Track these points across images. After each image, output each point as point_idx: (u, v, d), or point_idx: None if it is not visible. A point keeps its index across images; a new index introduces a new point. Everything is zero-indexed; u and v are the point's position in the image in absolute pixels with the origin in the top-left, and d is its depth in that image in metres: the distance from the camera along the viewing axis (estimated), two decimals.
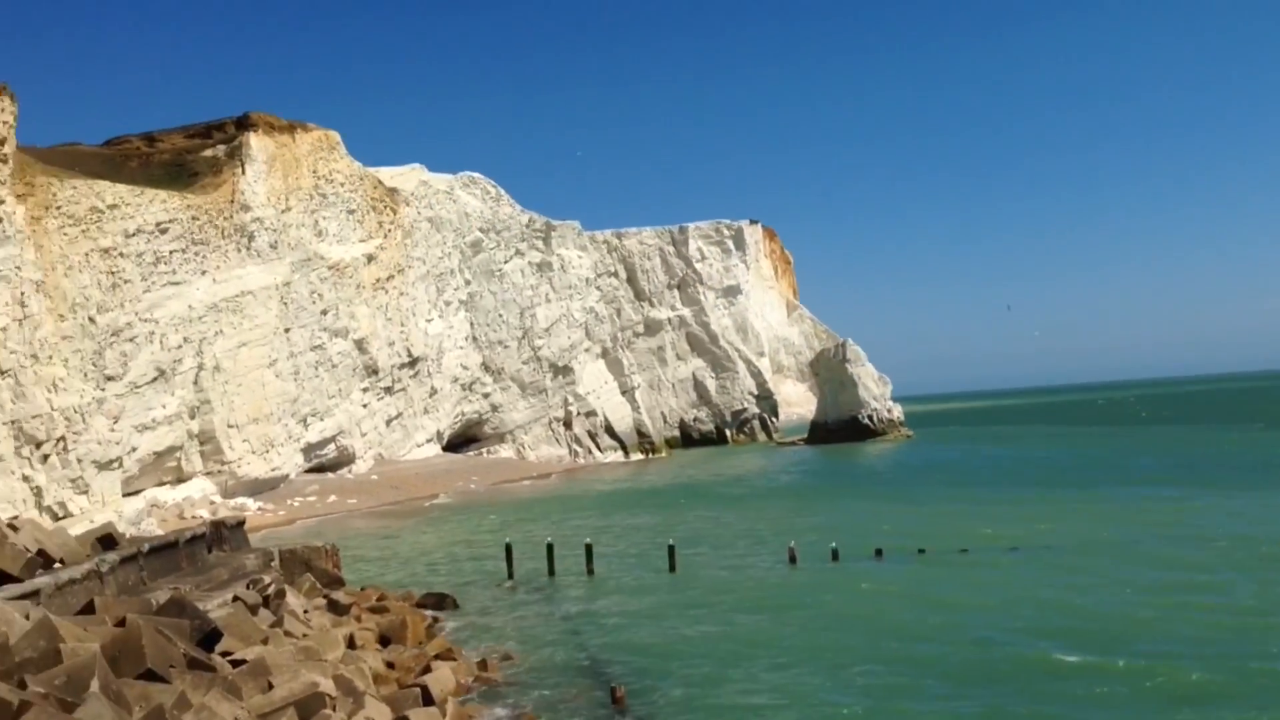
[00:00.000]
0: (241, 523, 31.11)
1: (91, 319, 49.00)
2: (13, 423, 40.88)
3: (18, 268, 42.56)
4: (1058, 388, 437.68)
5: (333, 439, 68.03)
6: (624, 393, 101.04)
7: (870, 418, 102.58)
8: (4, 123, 42.70)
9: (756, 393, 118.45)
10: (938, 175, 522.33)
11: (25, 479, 41.17)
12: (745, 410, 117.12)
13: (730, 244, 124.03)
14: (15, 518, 30.53)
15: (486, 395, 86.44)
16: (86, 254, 49.73)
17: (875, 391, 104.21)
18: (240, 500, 56.68)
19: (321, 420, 66.69)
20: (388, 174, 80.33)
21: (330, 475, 67.25)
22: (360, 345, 70.76)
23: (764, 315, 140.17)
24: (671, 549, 34.37)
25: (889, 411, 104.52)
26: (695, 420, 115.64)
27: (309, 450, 65.85)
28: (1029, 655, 21.05)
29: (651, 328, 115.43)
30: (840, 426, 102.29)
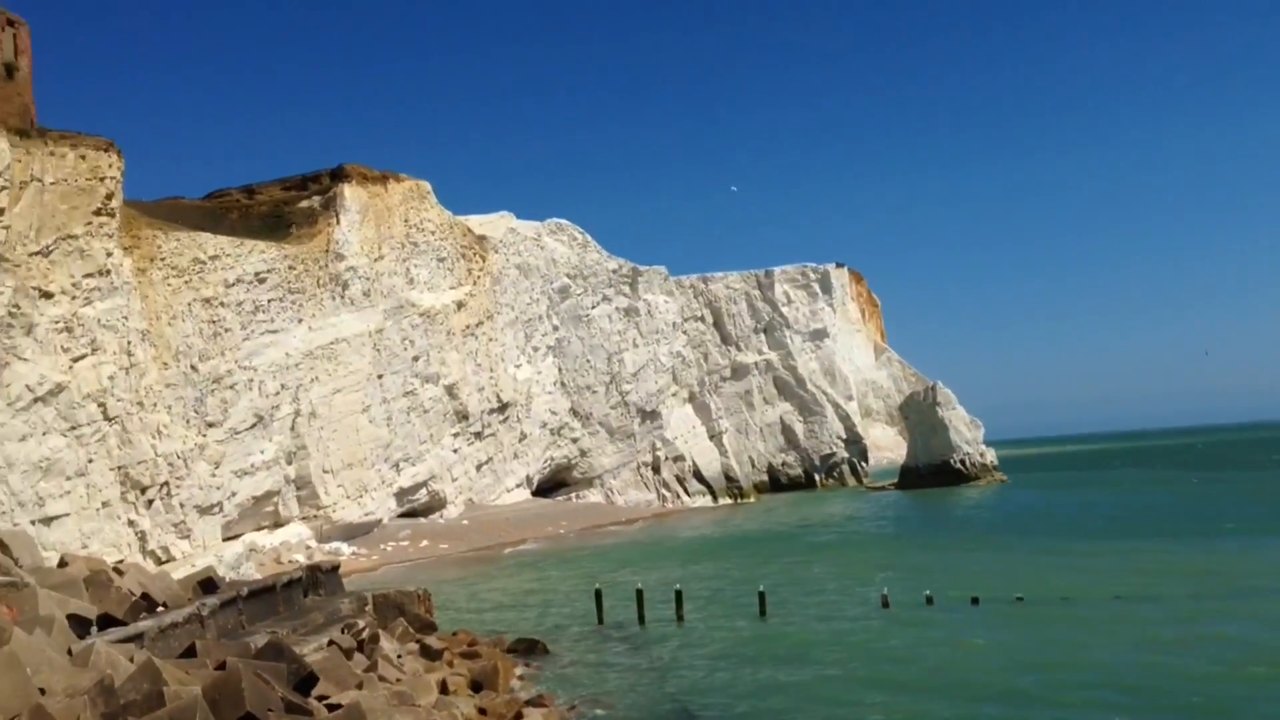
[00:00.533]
0: (336, 567, 31.57)
1: (194, 366, 50.39)
2: (119, 468, 42.11)
3: (125, 318, 44.00)
4: (1154, 431, 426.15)
5: (424, 484, 68.83)
6: (711, 437, 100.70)
7: (962, 462, 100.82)
8: (112, 178, 44.32)
9: (845, 437, 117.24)
10: (1026, 213, 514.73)
11: (130, 523, 42.32)
12: (834, 454, 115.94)
13: (816, 287, 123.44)
14: (120, 561, 31.35)
15: (575, 440, 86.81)
16: (189, 304, 51.20)
17: (967, 435, 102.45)
18: (335, 545, 57.54)
19: (413, 465, 67.54)
20: (477, 222, 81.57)
21: (422, 520, 67.98)
22: (451, 391, 71.63)
23: (851, 358, 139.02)
24: (762, 594, 34.04)
25: (981, 455, 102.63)
26: (783, 465, 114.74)
27: (401, 495, 66.69)
28: None
29: (738, 372, 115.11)
30: (931, 471, 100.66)
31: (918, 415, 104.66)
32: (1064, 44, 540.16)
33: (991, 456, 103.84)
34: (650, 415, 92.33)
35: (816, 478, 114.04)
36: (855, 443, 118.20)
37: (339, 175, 67.67)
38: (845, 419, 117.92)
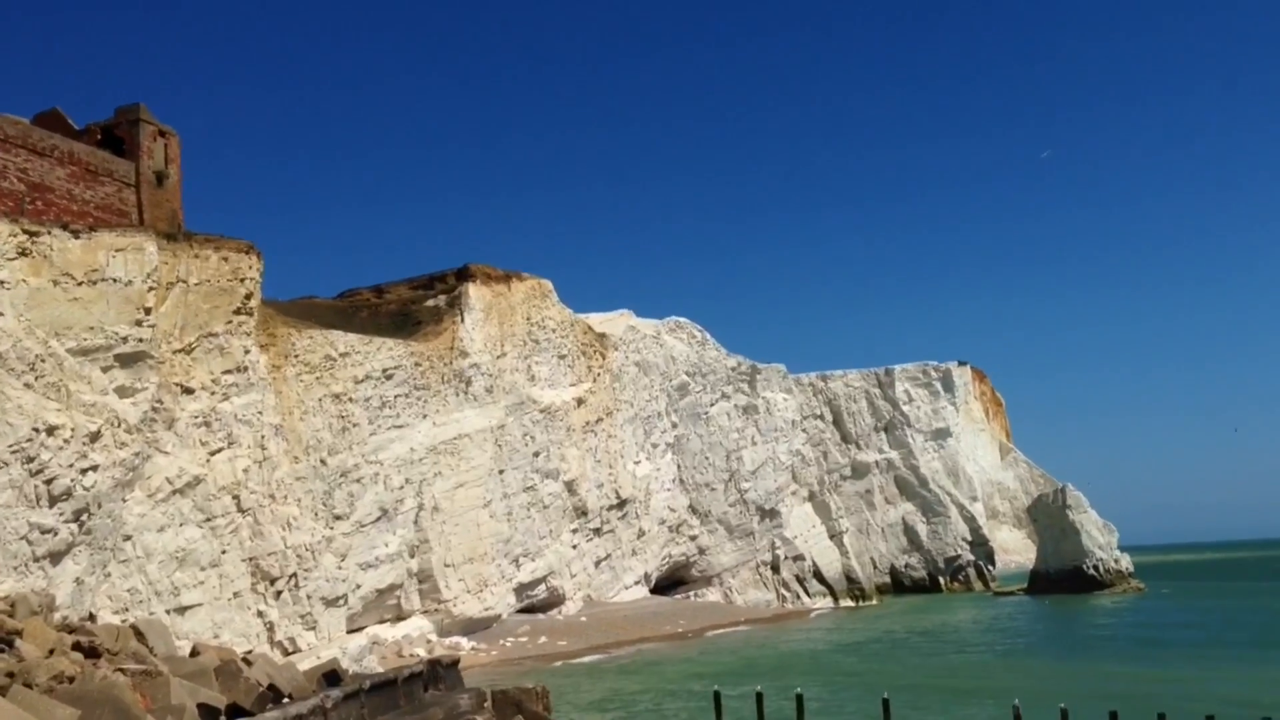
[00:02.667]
0: (456, 661, 31.61)
1: (323, 460, 51.64)
2: (250, 559, 43.18)
3: (259, 412, 45.49)
4: None
5: (543, 579, 68.88)
6: (832, 537, 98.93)
7: (1095, 568, 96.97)
8: (251, 279, 46.25)
9: (970, 539, 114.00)
10: (1158, 307, 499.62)
11: (259, 614, 43.21)
12: (959, 557, 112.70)
13: (938, 386, 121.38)
14: (249, 652, 31.91)
15: (694, 538, 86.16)
16: (320, 399, 52.69)
17: (1100, 540, 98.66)
18: (455, 639, 57.73)
19: (533, 560, 67.73)
20: (597, 320, 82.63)
21: (540, 616, 67.87)
22: (570, 487, 71.95)
23: (975, 459, 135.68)
24: (886, 702, 32.96)
25: (1116, 561, 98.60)
26: (906, 566, 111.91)
27: (520, 590, 66.81)
28: None
29: (859, 471, 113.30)
30: (1063, 576, 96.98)
31: (1047, 518, 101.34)
32: (1203, 135, 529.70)
33: (1127, 563, 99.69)
34: (769, 514, 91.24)
35: (941, 580, 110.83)
36: (981, 545, 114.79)
37: (464, 275, 69.41)
38: (970, 520, 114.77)
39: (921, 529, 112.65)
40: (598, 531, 75.20)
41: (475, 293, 68.02)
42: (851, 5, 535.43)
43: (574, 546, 72.67)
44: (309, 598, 45.85)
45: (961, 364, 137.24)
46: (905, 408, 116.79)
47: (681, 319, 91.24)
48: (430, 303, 67.51)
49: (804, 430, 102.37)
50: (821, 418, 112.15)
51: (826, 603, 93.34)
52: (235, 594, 42.30)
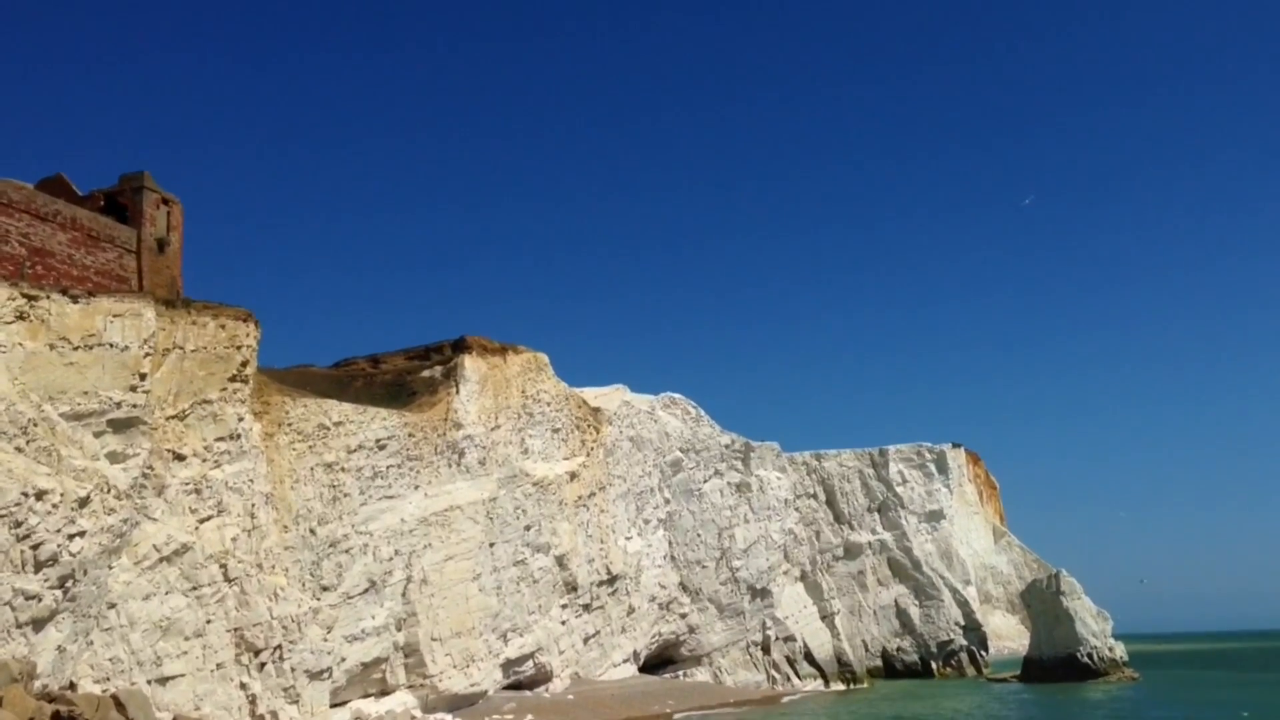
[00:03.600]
0: None
1: (312, 530, 51.28)
2: (235, 630, 42.65)
3: (251, 480, 45.26)
4: None
5: (531, 655, 68.03)
6: (823, 618, 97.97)
7: (1090, 656, 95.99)
8: (248, 347, 46.33)
9: (963, 623, 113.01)
10: (1156, 392, 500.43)
11: (242, 686, 42.57)
12: (951, 641, 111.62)
13: (932, 467, 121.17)
14: None
15: (684, 616, 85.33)
16: (312, 468, 52.47)
17: (1094, 628, 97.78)
18: (440, 716, 56.81)
19: (521, 636, 66.95)
20: (592, 394, 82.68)
21: (527, 693, 66.90)
22: (561, 561, 71.40)
23: (969, 542, 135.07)
24: None
25: (1110, 650, 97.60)
26: (898, 650, 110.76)
27: (508, 666, 65.94)
28: None
29: (851, 551, 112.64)
30: (1056, 664, 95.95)
31: (1040, 604, 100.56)
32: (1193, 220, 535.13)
33: (1121, 651, 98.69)
34: (761, 593, 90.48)
35: (933, 665, 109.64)
36: (974, 630, 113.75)
37: (460, 346, 69.59)
38: (963, 605, 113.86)
39: (914, 612, 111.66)
40: (587, 607, 74.47)
41: (471, 365, 68.10)
42: (846, 89, 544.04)
43: (563, 622, 71.90)
44: (293, 670, 45.22)
45: (956, 446, 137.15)
46: (899, 489, 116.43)
47: (676, 395, 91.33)
48: (426, 373, 67.55)
49: (797, 509, 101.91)
50: (815, 497, 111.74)
51: (817, 685, 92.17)
52: (218, 665, 41.72)
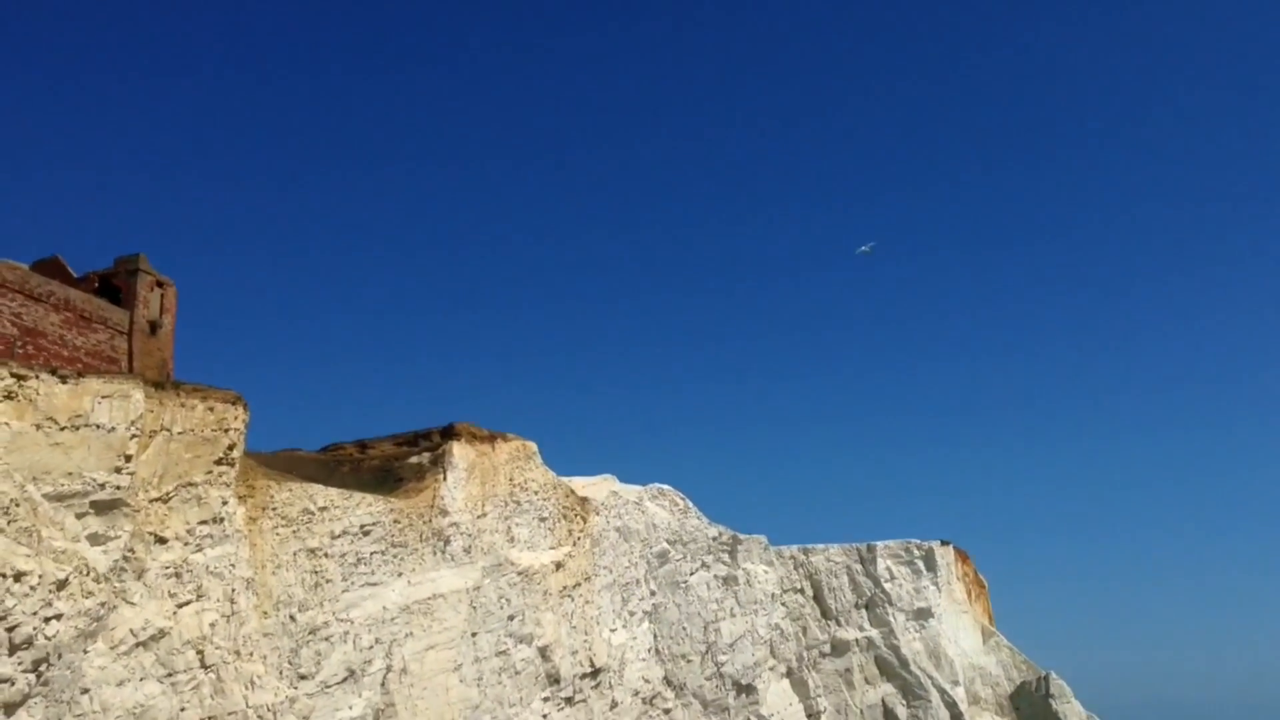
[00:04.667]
0: None
1: (292, 617, 50.75)
2: (210, 718, 42.00)
3: (232, 565, 44.95)
4: None
5: None
6: (809, 716, 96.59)
7: None
8: (236, 429, 46.36)
9: None
10: (1150, 487, 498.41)
11: None
12: None
13: (920, 564, 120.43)
14: None
15: (667, 711, 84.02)
16: (294, 553, 52.13)
17: None
18: None
19: None
20: (580, 483, 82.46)
21: None
22: (544, 653, 70.55)
23: (958, 641, 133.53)
24: None
25: None
26: None
27: None
28: None
29: (838, 648, 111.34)
30: None
31: (1029, 707, 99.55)
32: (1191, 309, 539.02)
33: None
34: (746, 689, 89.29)
35: None
36: None
37: (449, 433, 69.59)
38: (951, 706, 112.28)
39: (901, 712, 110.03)
40: (569, 700, 73.36)
41: (459, 452, 68.03)
42: (835, 199, 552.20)
43: (544, 716, 70.76)
44: None
45: (944, 543, 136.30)
46: (887, 585, 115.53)
47: (664, 486, 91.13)
48: (414, 460, 67.44)
49: (784, 604, 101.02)
50: (802, 591, 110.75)
51: None
52: None
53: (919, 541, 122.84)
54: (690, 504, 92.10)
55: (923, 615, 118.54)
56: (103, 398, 39.19)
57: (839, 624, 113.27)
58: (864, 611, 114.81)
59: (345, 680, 53.78)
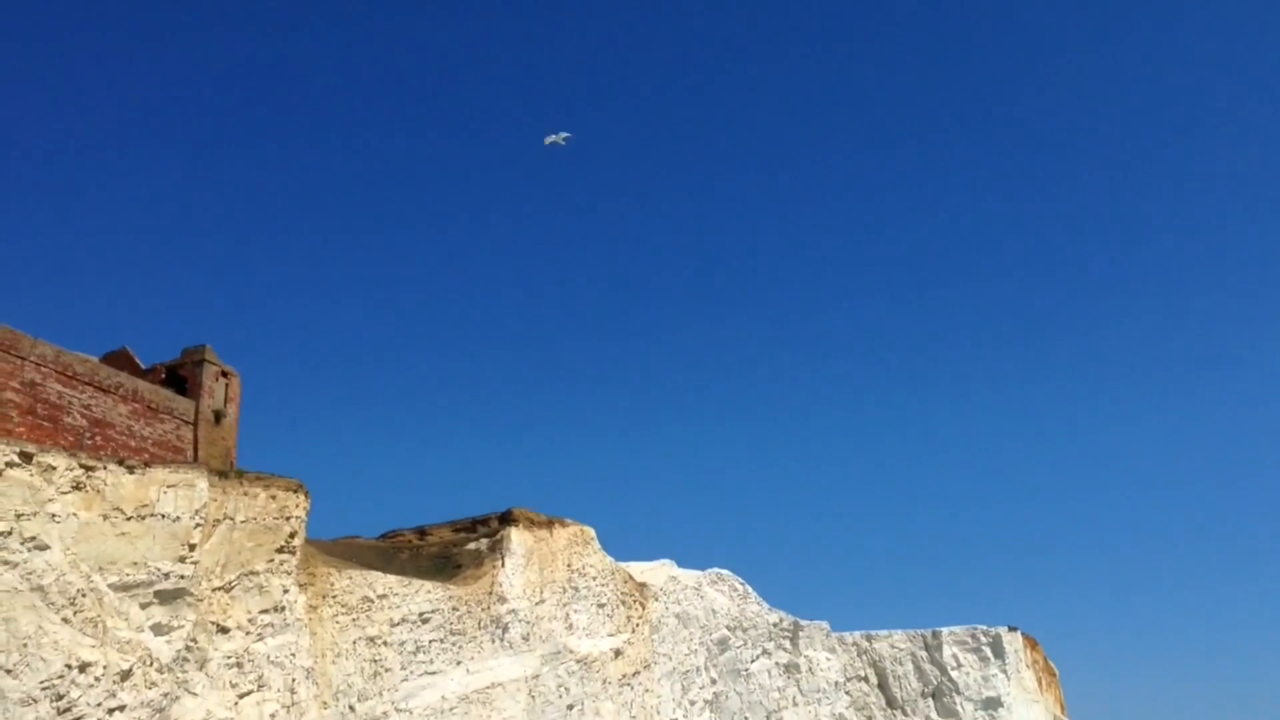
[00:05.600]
0: None
1: (351, 707, 50.49)
2: None
3: (293, 654, 44.94)
4: None
5: None
6: None
7: None
8: (297, 518, 46.67)
9: None
10: (1223, 571, 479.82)
11: None
12: None
13: (988, 651, 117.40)
14: None
15: None
16: (354, 642, 52.04)
17: None
18: None
19: None
20: (638, 569, 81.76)
21: None
22: None
23: None
24: None
25: None
26: None
27: None
28: None
29: None
30: None
31: None
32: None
33: None
34: None
35: None
36: None
37: (507, 519, 69.52)
38: None
39: None
40: None
41: (517, 537, 67.87)
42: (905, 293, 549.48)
43: None
44: None
45: (1012, 629, 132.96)
46: (954, 673, 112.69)
47: (723, 571, 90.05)
48: (471, 546, 67.36)
49: (847, 693, 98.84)
50: (866, 680, 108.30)
51: None
52: None
53: (986, 628, 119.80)
54: (750, 589, 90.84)
55: (991, 704, 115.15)
56: (168, 487, 39.70)
57: (905, 713, 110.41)
58: (930, 700, 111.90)
59: None
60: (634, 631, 76.74)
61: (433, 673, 57.10)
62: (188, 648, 39.53)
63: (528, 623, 65.81)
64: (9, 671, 33.53)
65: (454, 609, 60.45)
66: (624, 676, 74.20)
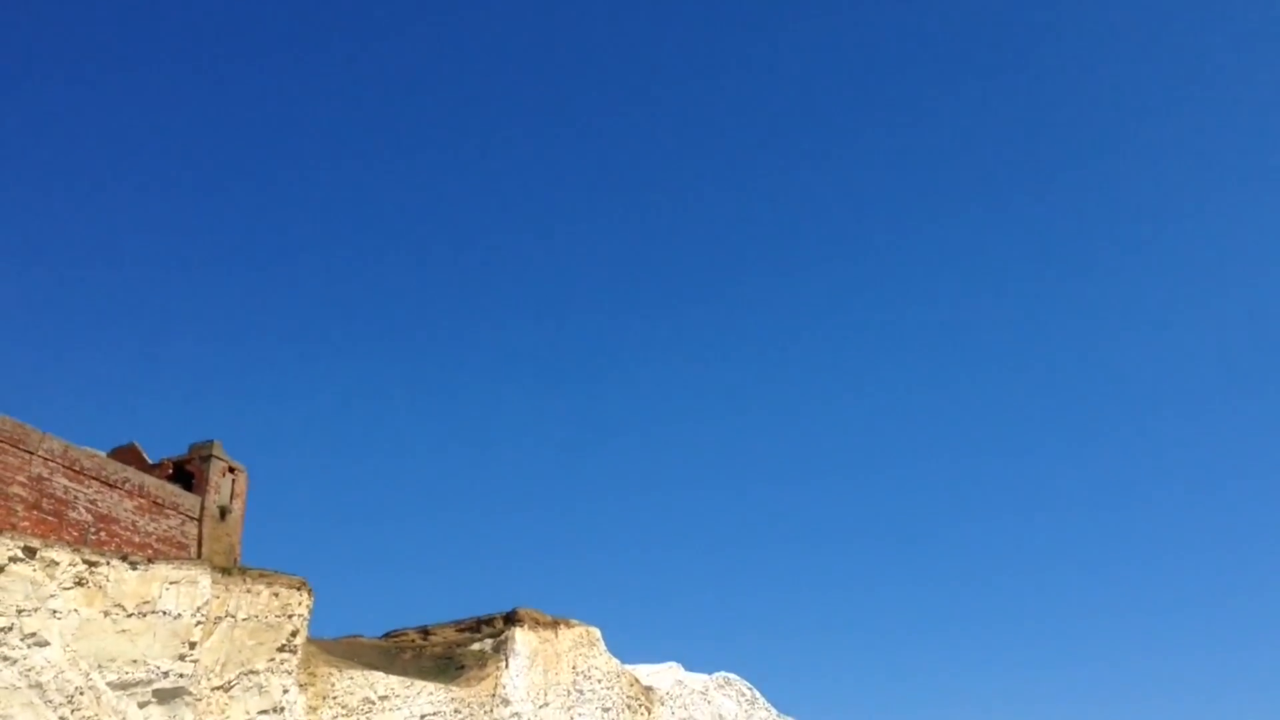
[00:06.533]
0: None
1: None
2: None
3: None
4: None
5: None
6: None
7: None
8: (300, 616, 46.25)
9: None
10: None
11: None
12: None
13: None
14: None
15: None
16: None
17: None
18: None
19: None
20: (644, 671, 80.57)
21: None
22: None
23: None
24: None
25: None
26: None
27: None
28: None
29: None
30: None
31: None
32: None
33: None
34: None
35: None
36: None
37: (511, 619, 68.77)
38: None
39: None
40: None
41: (522, 638, 67.07)
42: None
43: None
44: None
45: None
46: None
47: (731, 675, 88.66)
48: (475, 646, 66.56)
49: None
50: None
51: None
52: None
53: None
54: (758, 694, 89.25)
55: None
56: (170, 584, 39.48)
57: None
58: None
59: None
60: None
61: None
62: None
63: None
64: None
65: (456, 711, 59.48)
66: None
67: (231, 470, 47.16)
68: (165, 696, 38.49)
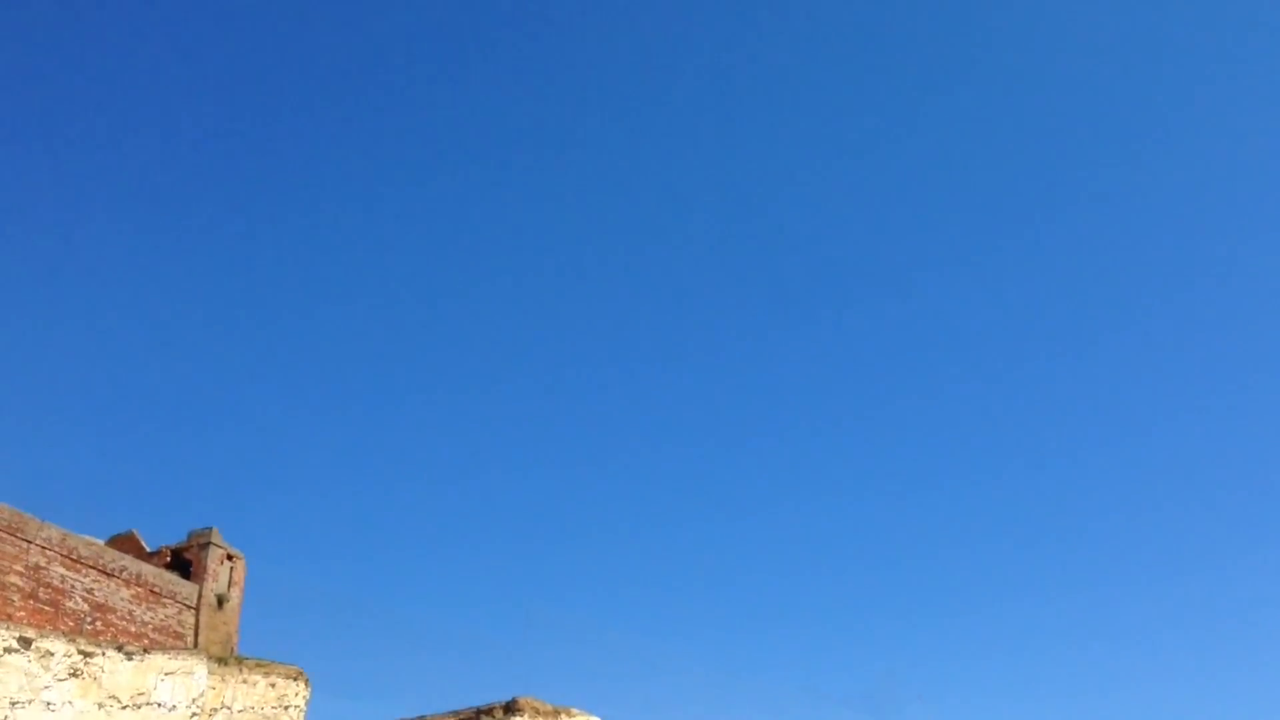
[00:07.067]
0: None
1: None
2: None
3: None
4: None
5: None
6: None
7: None
8: (297, 707, 45.51)
9: None
10: None
11: None
12: None
13: None
14: None
15: None
16: None
17: None
18: None
19: None
20: None
21: None
22: None
23: None
24: None
25: None
26: None
27: None
28: None
29: None
30: None
31: None
32: None
33: None
34: None
35: None
36: None
37: (512, 708, 67.31)
38: None
39: None
40: None
41: None
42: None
43: None
44: None
45: None
46: None
47: None
48: None
49: None
50: None
51: None
52: None
53: None
54: None
55: None
56: (166, 674, 38.93)
57: None
58: None
59: None
60: None
61: None
62: None
63: None
64: None
65: None
66: None
67: (230, 558, 46.78)
68: None
